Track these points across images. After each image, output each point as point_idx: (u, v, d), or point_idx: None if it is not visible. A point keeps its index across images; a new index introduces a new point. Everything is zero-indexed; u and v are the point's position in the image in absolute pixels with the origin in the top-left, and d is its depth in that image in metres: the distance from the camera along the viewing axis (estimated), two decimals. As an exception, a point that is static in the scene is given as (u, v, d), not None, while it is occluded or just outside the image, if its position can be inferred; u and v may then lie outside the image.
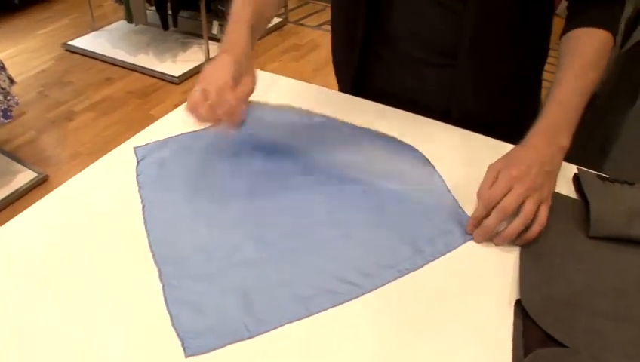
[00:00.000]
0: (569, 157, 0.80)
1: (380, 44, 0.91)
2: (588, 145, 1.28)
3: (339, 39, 0.99)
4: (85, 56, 3.04)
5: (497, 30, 0.82)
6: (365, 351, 0.52)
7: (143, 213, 0.68)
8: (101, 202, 0.71)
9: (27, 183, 2.05)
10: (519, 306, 0.55)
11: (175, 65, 2.89)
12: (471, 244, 0.65)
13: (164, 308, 0.56)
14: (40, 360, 0.51)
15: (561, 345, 0.51)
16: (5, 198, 1.98)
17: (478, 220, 0.65)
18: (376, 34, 0.90)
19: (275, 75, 1.01)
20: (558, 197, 0.70)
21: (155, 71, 2.86)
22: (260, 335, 0.53)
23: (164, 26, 2.93)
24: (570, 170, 0.77)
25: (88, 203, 0.71)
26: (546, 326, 0.52)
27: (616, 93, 1.21)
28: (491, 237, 0.64)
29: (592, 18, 0.77)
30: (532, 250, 0.62)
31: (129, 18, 2.92)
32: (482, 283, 0.59)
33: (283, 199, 0.70)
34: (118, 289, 0.58)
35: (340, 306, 0.56)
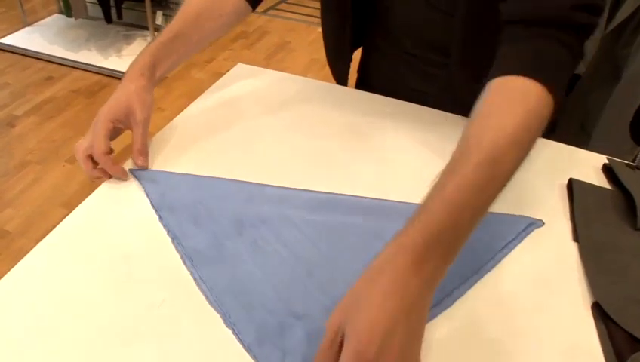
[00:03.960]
0: (553, 136, 0.79)
1: (379, 40, 0.89)
2: (569, 125, 1.31)
3: (329, 35, 0.96)
4: (19, 54, 2.81)
5: (488, 32, 0.80)
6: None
7: (176, 247, 0.60)
8: (123, 236, 0.62)
9: (-25, 199, 1.88)
10: (597, 309, 0.54)
11: (121, 60, 2.73)
12: (523, 252, 0.62)
13: (243, 354, 0.49)
14: None
15: (649, 346, 0.51)
16: (-48, 217, 1.81)
17: None
18: (374, 30, 0.87)
19: (268, 71, 0.96)
20: (597, 190, 0.70)
21: (99, 67, 2.69)
22: None
23: (108, 19, 2.75)
24: (598, 159, 0.77)
25: (106, 237, 0.62)
26: (634, 330, 0.51)
27: (597, 72, 1.24)
28: None
29: (521, 59, 0.56)
30: (590, 247, 0.62)
31: (67, 12, 2.73)
32: (549, 288, 0.58)
33: (329, 217, 0.64)
34: (180, 345, 0.51)
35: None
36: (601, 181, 0.74)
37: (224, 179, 0.70)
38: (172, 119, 0.83)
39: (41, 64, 2.75)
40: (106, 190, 0.68)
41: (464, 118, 0.82)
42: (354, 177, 0.71)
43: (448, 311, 0.55)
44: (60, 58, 2.73)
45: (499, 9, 0.63)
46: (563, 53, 0.56)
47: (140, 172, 0.70)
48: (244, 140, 0.78)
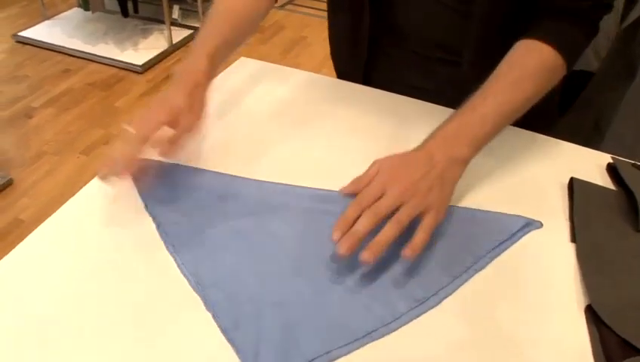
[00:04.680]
0: (565, 136, 0.77)
1: (386, 39, 0.87)
2: (583, 123, 1.28)
3: (340, 36, 0.94)
4: (39, 47, 2.85)
5: (503, 29, 0.78)
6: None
7: (160, 234, 0.60)
8: (110, 223, 0.63)
9: (-9, 189, 1.92)
10: (591, 312, 0.53)
11: (137, 54, 2.76)
12: (518, 251, 0.61)
13: (220, 339, 0.50)
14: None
15: (642, 352, 0.49)
16: (-32, 206, 1.84)
17: (347, 221, 0.54)
18: (382, 28, 0.86)
19: (271, 65, 0.96)
20: (599, 190, 0.69)
21: (116, 60, 2.72)
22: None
23: (124, 13, 2.78)
24: (603, 158, 0.75)
25: (96, 223, 0.63)
26: (627, 335, 0.50)
27: (612, 70, 1.21)
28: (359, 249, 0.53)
29: (545, 31, 0.69)
30: (587, 249, 0.60)
31: (85, 5, 2.76)
32: (543, 290, 0.56)
33: (319, 210, 0.64)
34: (159, 324, 0.52)
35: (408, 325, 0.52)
36: (605, 180, 0.72)
37: (213, 171, 0.70)
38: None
39: (59, 57, 2.79)
40: (97, 183, 0.68)
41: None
42: (354, 174, 0.70)
43: (436, 309, 0.54)
44: (78, 51, 2.77)
45: (516, 8, 0.73)
46: (580, 34, 0.71)
47: None
48: (240, 134, 0.78)
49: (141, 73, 2.67)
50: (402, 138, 0.77)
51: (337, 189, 0.63)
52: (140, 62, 2.67)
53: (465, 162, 0.61)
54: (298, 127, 0.79)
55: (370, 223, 0.53)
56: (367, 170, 0.60)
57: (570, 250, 0.61)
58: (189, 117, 0.63)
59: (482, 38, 0.78)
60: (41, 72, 2.68)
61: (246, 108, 0.84)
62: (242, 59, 0.99)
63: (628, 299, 0.54)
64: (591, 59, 1.23)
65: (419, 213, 0.55)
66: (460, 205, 0.65)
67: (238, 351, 0.49)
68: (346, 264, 0.56)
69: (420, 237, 0.54)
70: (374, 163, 0.60)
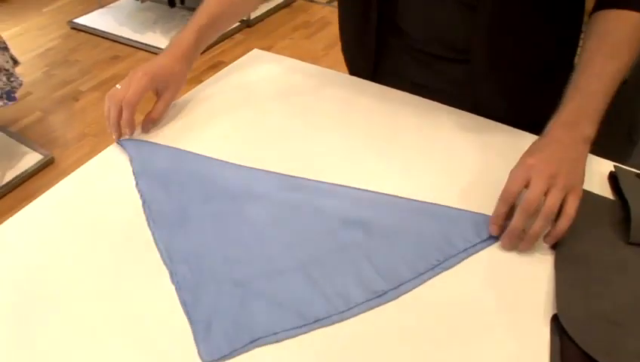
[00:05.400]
0: (594, 148, 0.74)
1: (392, 37, 0.86)
2: (615, 133, 1.22)
3: (349, 32, 0.94)
4: (91, 34, 2.98)
5: (516, 23, 0.75)
6: (388, 370, 0.48)
7: (144, 210, 0.64)
8: (102, 197, 0.67)
9: (34, 165, 2.02)
10: (556, 322, 0.51)
11: (183, 44, 2.82)
12: (499, 252, 0.59)
13: (179, 310, 0.53)
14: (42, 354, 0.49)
15: (603, 367, 0.47)
16: (12, 181, 1.94)
17: (500, 218, 0.60)
18: (388, 26, 0.84)
19: (289, 59, 0.96)
20: (592, 198, 0.65)
21: (161, 49, 2.78)
22: (284, 341, 0.50)
23: (171, 3, 2.86)
24: (606, 166, 0.71)
25: (89, 198, 0.67)
26: (588, 348, 0.47)
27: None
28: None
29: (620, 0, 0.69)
30: (567, 258, 0.57)
31: (136, -5, 2.85)
32: (514, 295, 0.55)
33: (298, 200, 0.65)
34: (124, 290, 0.55)
35: (363, 315, 0.52)
36: (603, 189, 0.68)
37: (204, 155, 0.72)
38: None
39: (109, 44, 2.90)
40: (99, 160, 0.73)
41: (474, 115, 0.79)
42: (355, 169, 0.71)
43: (394, 304, 0.53)
44: (127, 39, 2.87)
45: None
46: None
47: (127, 142, 0.73)
48: (245, 122, 0.79)
49: (185, 62, 2.74)
50: (402, 136, 0.77)
51: (331, 181, 0.66)
52: (185, 52, 2.74)
53: (589, 139, 0.63)
54: (302, 119, 0.80)
55: (525, 218, 0.57)
56: (517, 180, 0.60)
57: (550, 257, 0.58)
58: (170, 92, 0.77)
59: (492, 32, 0.76)
60: (92, 58, 2.79)
61: (254, 97, 0.85)
62: (255, 50, 1.00)
63: (596, 311, 0.51)
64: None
65: (562, 197, 0.58)
66: (453, 205, 0.64)
67: (191, 323, 0.51)
68: (312, 253, 0.57)
69: (563, 223, 0.57)
70: (519, 170, 0.60)
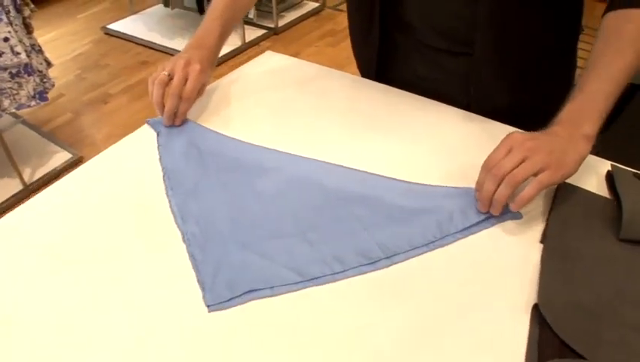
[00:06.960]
0: (606, 151, 0.74)
1: (396, 30, 0.88)
2: (629, 136, 1.20)
3: (356, 25, 0.96)
4: (123, 39, 3.08)
5: (517, 16, 0.76)
6: (370, 349, 0.50)
7: (164, 180, 0.70)
8: (124, 177, 0.72)
9: (62, 164, 2.10)
10: (536, 312, 0.51)
11: (209, 50, 2.89)
12: (491, 238, 0.61)
13: (188, 265, 0.58)
14: (62, 320, 0.53)
15: (579, 356, 0.47)
16: (41, 178, 2.03)
17: (481, 185, 0.62)
18: (392, 20, 0.86)
19: (301, 61, 0.99)
20: (587, 196, 0.66)
21: (189, 55, 2.86)
22: (282, 296, 0.55)
23: (200, 10, 2.93)
24: (604, 166, 0.72)
25: (113, 177, 0.72)
26: (566, 337, 0.48)
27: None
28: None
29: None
30: (556, 250, 0.58)
31: (166, 2, 2.94)
32: (496, 283, 0.55)
33: (305, 176, 0.69)
34: (141, 248, 0.61)
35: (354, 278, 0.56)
36: (600, 187, 0.68)
37: (222, 133, 0.79)
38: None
39: (139, 49, 2.99)
40: (128, 141, 0.80)
41: (478, 116, 0.80)
42: (360, 155, 0.73)
43: (386, 271, 0.57)
44: (156, 44, 2.95)
45: None
46: None
47: (155, 121, 0.81)
48: (256, 119, 0.83)
49: (211, 68, 2.80)
50: (408, 136, 0.79)
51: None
52: (211, 58, 2.80)
53: (590, 138, 0.63)
54: (311, 117, 0.83)
55: (493, 183, 0.60)
56: (500, 149, 0.62)
57: (538, 250, 0.59)
58: (198, 76, 0.78)
59: (494, 23, 0.77)
60: (122, 62, 2.88)
61: (266, 97, 0.88)
62: (268, 52, 1.03)
63: (576, 302, 0.51)
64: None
65: (536, 171, 0.59)
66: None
67: (198, 273, 0.56)
68: (313, 222, 0.63)
69: (527, 192, 0.59)
70: (505, 141, 0.63)
